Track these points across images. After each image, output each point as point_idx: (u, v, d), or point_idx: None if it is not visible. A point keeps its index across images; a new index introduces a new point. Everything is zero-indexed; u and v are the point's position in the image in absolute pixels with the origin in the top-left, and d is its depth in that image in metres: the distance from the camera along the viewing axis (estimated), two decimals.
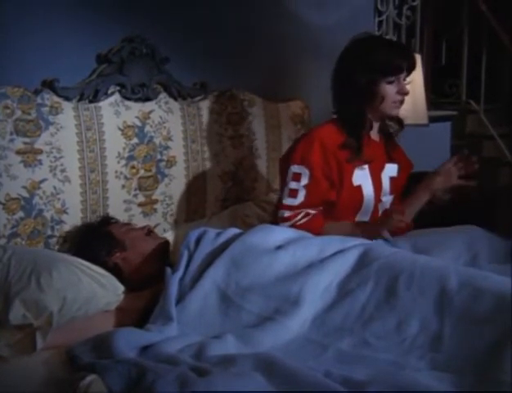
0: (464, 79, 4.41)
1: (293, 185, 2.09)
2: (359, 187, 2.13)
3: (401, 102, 2.14)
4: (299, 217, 2.08)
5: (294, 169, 2.09)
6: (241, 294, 1.75)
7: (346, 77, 2.12)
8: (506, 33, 4.16)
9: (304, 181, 2.08)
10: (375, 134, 2.21)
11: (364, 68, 2.07)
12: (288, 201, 2.09)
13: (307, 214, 2.09)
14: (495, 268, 1.99)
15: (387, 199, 2.23)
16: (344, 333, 1.61)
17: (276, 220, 2.12)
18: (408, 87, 2.14)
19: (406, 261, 1.73)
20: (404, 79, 2.12)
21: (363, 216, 2.18)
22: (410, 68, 2.13)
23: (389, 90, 2.09)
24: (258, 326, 1.67)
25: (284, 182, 2.13)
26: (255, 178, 2.74)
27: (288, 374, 1.39)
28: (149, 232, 2.18)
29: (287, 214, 2.08)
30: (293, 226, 2.06)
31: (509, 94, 4.48)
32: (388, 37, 3.45)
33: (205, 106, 2.58)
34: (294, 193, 2.09)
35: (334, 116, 2.22)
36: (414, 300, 1.62)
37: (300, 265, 1.80)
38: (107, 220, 2.19)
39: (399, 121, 2.27)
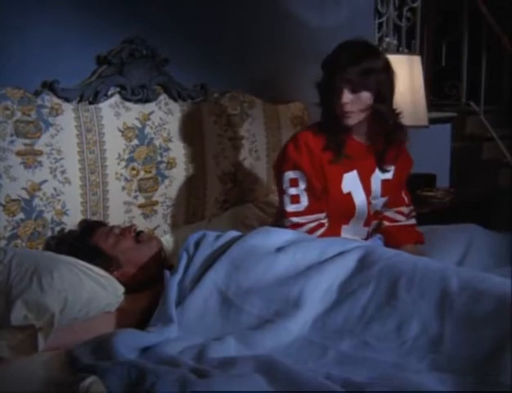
0: (464, 80, 4.42)
1: (292, 191, 2.07)
2: (349, 195, 2.11)
3: (348, 113, 2.00)
4: (313, 225, 2.07)
5: (289, 175, 2.07)
6: (242, 296, 1.74)
7: None
8: (506, 34, 4.16)
9: (303, 185, 2.06)
10: (359, 135, 2.11)
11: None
12: (292, 208, 2.07)
13: (321, 225, 2.08)
14: (495, 270, 2.00)
15: (378, 201, 2.21)
16: (345, 335, 1.61)
17: (278, 224, 2.09)
18: (354, 99, 1.98)
19: (406, 263, 1.73)
20: (354, 91, 1.97)
21: (357, 221, 2.18)
22: (345, 81, 1.96)
23: (331, 99, 2.01)
24: (259, 328, 1.66)
25: (281, 190, 2.10)
26: (255, 179, 2.75)
27: (288, 376, 1.39)
28: (137, 235, 2.11)
29: (296, 219, 2.06)
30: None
31: (509, 95, 4.48)
32: (388, 39, 3.44)
33: (205, 107, 2.58)
34: (296, 199, 2.07)
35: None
36: (414, 301, 1.61)
37: (301, 267, 1.79)
38: (88, 227, 2.12)
39: (401, 130, 2.14)
